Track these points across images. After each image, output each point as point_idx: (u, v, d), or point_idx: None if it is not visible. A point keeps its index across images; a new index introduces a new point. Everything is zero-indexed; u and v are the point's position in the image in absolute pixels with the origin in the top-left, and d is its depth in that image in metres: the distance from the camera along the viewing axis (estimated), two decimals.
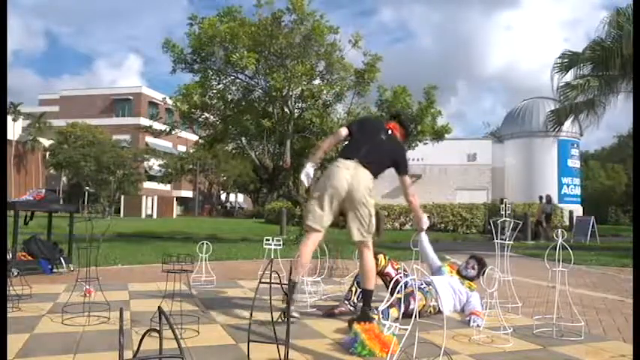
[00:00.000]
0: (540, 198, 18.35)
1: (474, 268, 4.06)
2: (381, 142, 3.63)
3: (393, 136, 3.73)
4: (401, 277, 3.84)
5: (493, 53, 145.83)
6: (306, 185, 3.72)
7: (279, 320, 3.11)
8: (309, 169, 3.71)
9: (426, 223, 4.11)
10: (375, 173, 3.56)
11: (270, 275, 2.46)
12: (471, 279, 4.04)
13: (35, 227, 6.46)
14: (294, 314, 3.31)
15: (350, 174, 3.44)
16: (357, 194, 3.42)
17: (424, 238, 4.25)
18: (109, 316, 3.36)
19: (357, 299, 3.72)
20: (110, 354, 2.60)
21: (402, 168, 3.70)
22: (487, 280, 3.21)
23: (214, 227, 21.26)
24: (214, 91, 12.63)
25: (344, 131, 3.74)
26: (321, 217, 3.48)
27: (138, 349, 1.45)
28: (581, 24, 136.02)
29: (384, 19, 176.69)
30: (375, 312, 3.29)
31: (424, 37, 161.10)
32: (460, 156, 28.38)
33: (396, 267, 4.01)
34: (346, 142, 3.76)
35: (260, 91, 12.59)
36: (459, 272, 4.08)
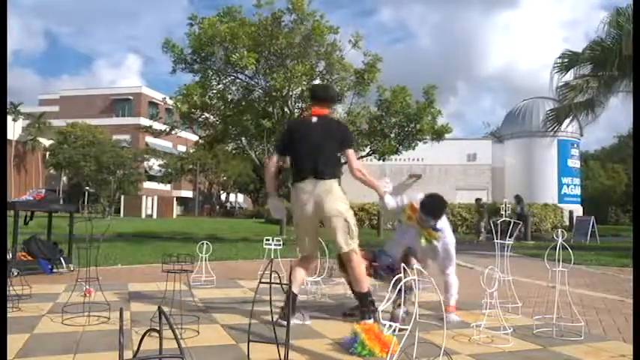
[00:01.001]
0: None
1: (430, 218, 3.59)
2: (315, 137, 3.44)
3: (322, 119, 3.53)
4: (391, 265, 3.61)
5: (492, 53, 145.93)
6: (282, 216, 3.77)
7: (279, 320, 3.11)
8: (275, 202, 3.69)
9: (387, 186, 3.72)
10: (335, 173, 3.45)
11: (270, 275, 2.46)
12: (433, 227, 3.63)
13: (35, 227, 6.46)
14: (297, 321, 3.30)
15: (312, 195, 3.37)
16: (328, 209, 3.36)
17: (388, 199, 3.73)
18: (109, 316, 3.36)
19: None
20: (110, 354, 2.60)
21: (343, 143, 3.52)
22: (487, 280, 3.20)
23: (214, 227, 21.25)
24: (214, 91, 12.64)
25: (274, 160, 3.64)
26: (305, 246, 3.53)
27: (138, 349, 1.45)
28: (579, 24, 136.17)
29: (384, 19, 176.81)
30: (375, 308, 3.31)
31: (424, 37, 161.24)
32: (460, 156, 28.37)
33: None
34: (292, 162, 3.61)
35: (260, 91, 12.61)
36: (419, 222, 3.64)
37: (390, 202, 3.72)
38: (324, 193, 3.36)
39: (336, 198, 3.39)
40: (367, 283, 3.49)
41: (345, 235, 3.38)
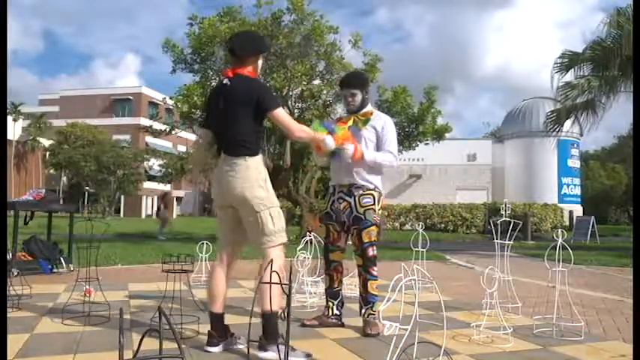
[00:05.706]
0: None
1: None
2: (224, 102, 2.79)
3: (235, 80, 2.80)
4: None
5: (489, 53, 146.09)
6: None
7: (279, 320, 3.11)
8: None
9: (348, 151, 3.20)
10: (248, 148, 2.74)
11: (271, 275, 2.46)
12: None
13: (35, 227, 6.46)
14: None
15: (217, 177, 2.82)
16: (234, 194, 2.72)
17: (329, 140, 3.15)
18: (109, 316, 3.36)
19: (337, 309, 3.39)
20: (110, 354, 2.60)
21: (264, 103, 2.73)
22: (487, 280, 3.20)
23: (214, 227, 21.23)
24: None
25: (196, 139, 3.05)
26: (220, 238, 2.92)
27: (138, 349, 1.45)
28: (576, 24, 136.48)
29: (383, 20, 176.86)
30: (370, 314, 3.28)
31: (421, 38, 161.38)
32: (460, 156, 28.42)
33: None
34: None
35: None
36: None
37: (330, 142, 3.12)
38: (229, 174, 2.72)
39: (246, 179, 2.70)
40: (280, 302, 2.70)
41: (258, 228, 2.72)
